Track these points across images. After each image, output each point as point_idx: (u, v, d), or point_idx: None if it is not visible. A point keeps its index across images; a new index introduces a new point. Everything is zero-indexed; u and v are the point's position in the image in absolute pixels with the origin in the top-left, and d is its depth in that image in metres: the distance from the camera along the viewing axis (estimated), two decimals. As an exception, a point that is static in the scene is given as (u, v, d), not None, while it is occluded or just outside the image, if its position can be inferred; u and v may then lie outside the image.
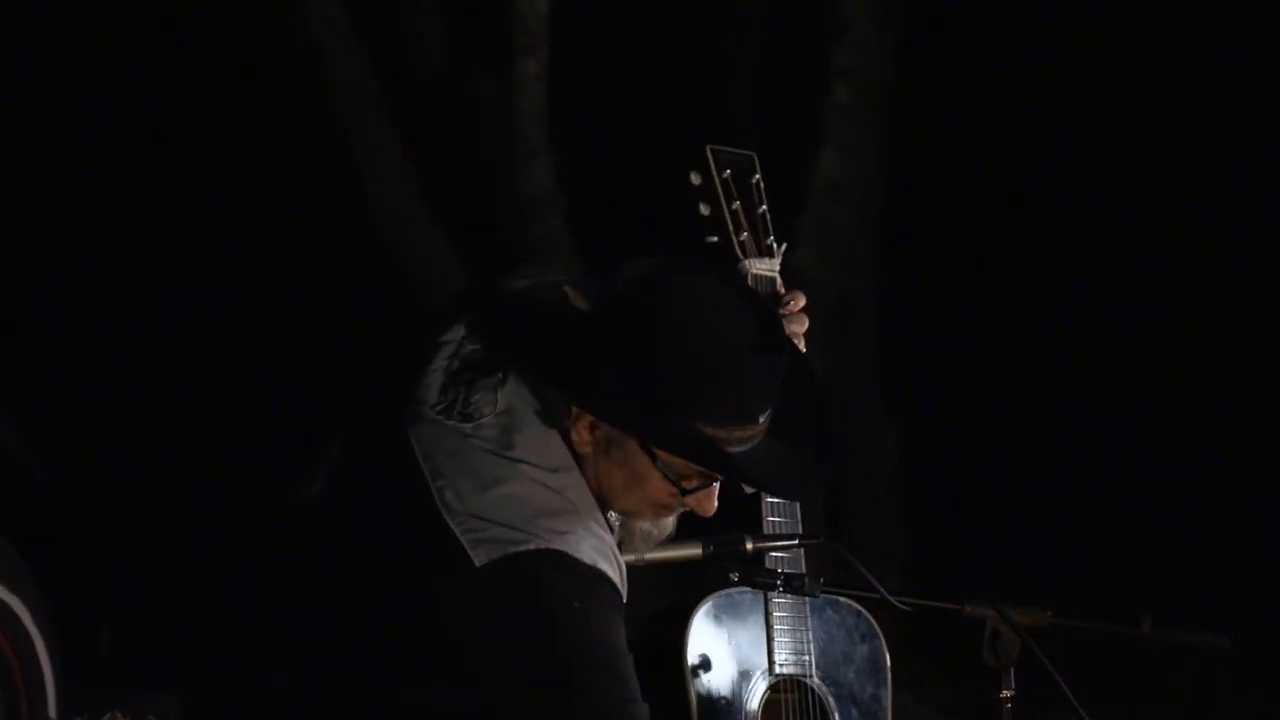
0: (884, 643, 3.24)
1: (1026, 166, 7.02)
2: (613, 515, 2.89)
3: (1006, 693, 2.94)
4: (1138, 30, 6.79)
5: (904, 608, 2.94)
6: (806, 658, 3.18)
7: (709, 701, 3.11)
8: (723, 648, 3.14)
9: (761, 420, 2.74)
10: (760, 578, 2.94)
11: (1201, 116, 6.78)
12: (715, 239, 3.25)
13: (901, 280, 7.08)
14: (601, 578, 2.72)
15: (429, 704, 2.68)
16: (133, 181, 6.54)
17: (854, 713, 3.21)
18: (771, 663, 3.16)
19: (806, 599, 3.08)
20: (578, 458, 2.78)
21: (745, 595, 3.15)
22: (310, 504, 2.85)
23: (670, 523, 2.90)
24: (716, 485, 2.81)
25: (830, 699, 3.19)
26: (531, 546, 2.68)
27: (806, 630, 3.17)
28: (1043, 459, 6.92)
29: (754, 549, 2.95)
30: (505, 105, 6.60)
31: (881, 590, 2.94)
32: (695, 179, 3.24)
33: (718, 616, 3.15)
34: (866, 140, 6.89)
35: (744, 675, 3.15)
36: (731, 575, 2.94)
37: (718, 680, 3.12)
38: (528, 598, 2.67)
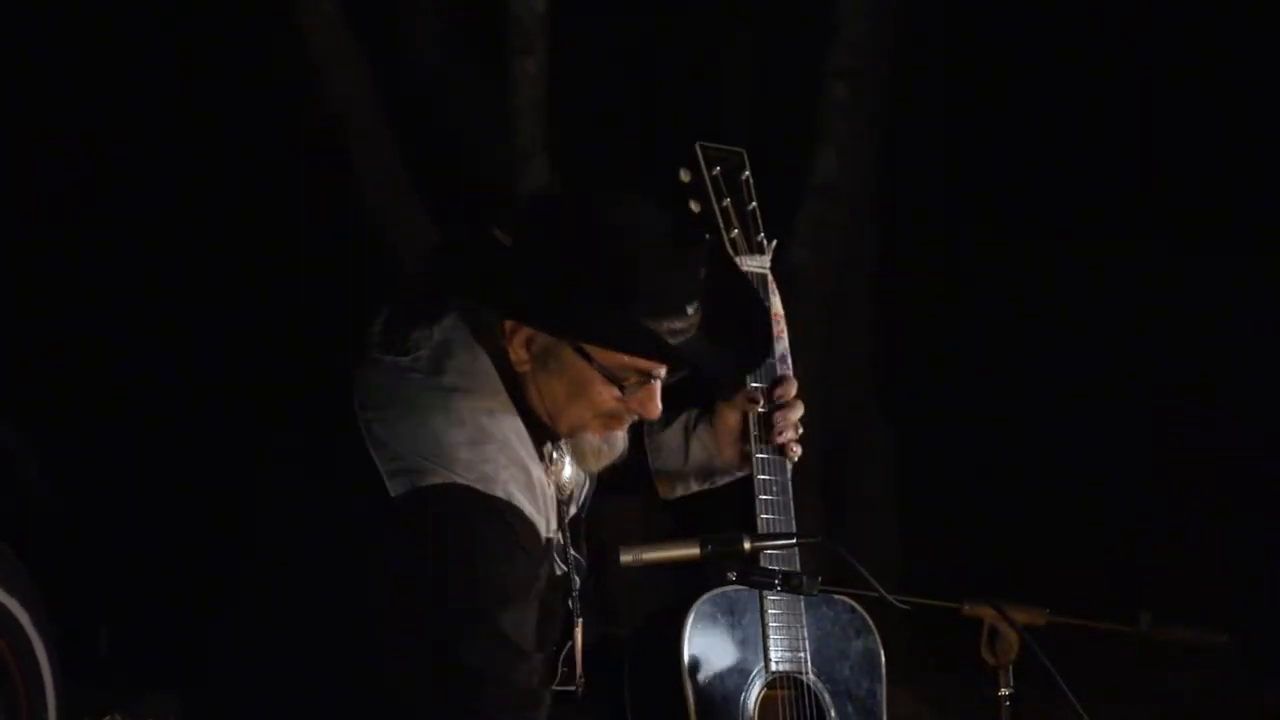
0: (878, 639, 3.24)
1: (1024, 162, 7.02)
2: (565, 469, 2.91)
3: (1005, 690, 2.95)
4: (1133, 27, 6.79)
5: (902, 606, 2.95)
6: (802, 655, 3.18)
7: (706, 700, 3.11)
8: (719, 646, 3.14)
9: (690, 311, 2.80)
10: (758, 577, 2.95)
11: (1206, 112, 6.78)
12: (707, 236, 3.26)
13: (898, 279, 7.08)
14: (511, 511, 2.77)
15: (350, 630, 2.76)
16: (131, 184, 6.53)
17: (849, 709, 3.21)
18: (767, 660, 3.16)
19: (801, 596, 3.09)
20: (518, 379, 2.82)
21: (740, 593, 3.15)
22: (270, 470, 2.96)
23: (621, 440, 2.92)
24: (657, 385, 2.84)
25: (826, 695, 3.19)
26: (439, 480, 2.74)
27: (801, 627, 3.17)
28: (1040, 457, 6.91)
29: (751, 548, 2.96)
30: (502, 104, 6.60)
31: (880, 589, 2.95)
32: (685, 176, 3.26)
33: (713, 615, 3.15)
34: (862, 139, 6.89)
35: (740, 673, 3.15)
36: (729, 574, 2.95)
37: (714, 679, 3.13)
38: (428, 532, 2.73)
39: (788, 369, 3.26)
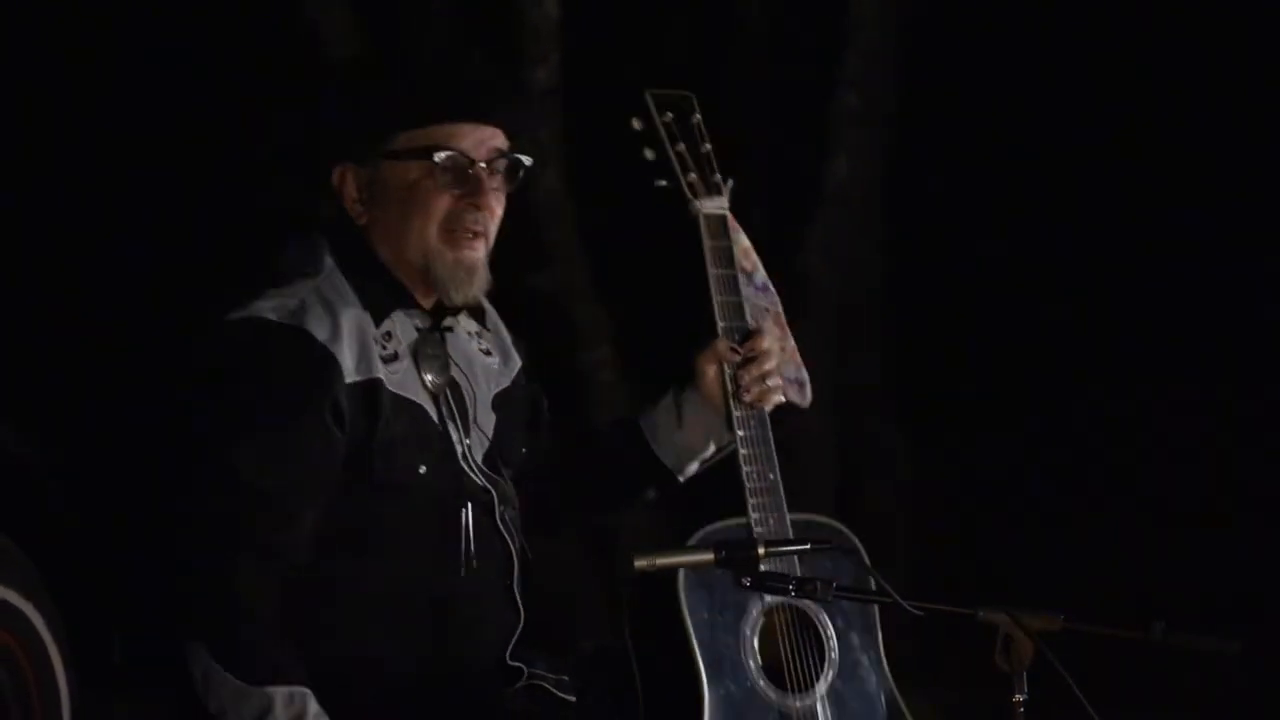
0: (864, 554, 3.24)
1: (1036, 167, 7.03)
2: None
3: (1019, 697, 2.94)
4: (1151, 34, 6.78)
5: (916, 612, 2.95)
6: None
7: (709, 638, 3.13)
8: (714, 585, 3.16)
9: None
10: (773, 583, 2.96)
11: (1227, 118, 6.76)
12: (664, 182, 3.29)
13: (912, 285, 7.08)
14: (300, 337, 2.91)
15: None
16: (135, 180, 6.53)
17: (846, 625, 3.23)
18: None
19: (793, 543, 3.09)
20: (362, 236, 2.97)
21: (729, 528, 3.17)
22: None
23: (480, 267, 3.01)
24: (482, 173, 2.94)
25: (823, 614, 3.22)
26: (237, 316, 2.94)
27: (792, 556, 3.18)
28: (1056, 463, 6.91)
29: (766, 553, 2.97)
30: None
31: (894, 595, 2.95)
32: (636, 124, 3.29)
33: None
34: (874, 147, 6.90)
35: (738, 607, 3.17)
36: (743, 580, 2.96)
37: (714, 617, 3.16)
38: (203, 364, 2.96)
39: (772, 298, 3.28)
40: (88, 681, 4.38)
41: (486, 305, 3.16)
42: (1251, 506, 6.51)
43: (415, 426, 3.00)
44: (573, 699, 3.08)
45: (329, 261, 2.98)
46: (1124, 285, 6.98)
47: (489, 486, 3.08)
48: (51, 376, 5.98)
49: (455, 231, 2.96)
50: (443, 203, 2.95)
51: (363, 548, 2.94)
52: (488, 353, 3.16)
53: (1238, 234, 6.76)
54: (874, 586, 3.00)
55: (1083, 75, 6.92)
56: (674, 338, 6.88)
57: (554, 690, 3.07)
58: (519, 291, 6.62)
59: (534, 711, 3.04)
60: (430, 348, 3.02)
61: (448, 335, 3.06)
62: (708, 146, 3.30)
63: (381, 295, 2.98)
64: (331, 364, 2.89)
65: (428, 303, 3.03)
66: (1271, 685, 5.61)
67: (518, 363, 3.22)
